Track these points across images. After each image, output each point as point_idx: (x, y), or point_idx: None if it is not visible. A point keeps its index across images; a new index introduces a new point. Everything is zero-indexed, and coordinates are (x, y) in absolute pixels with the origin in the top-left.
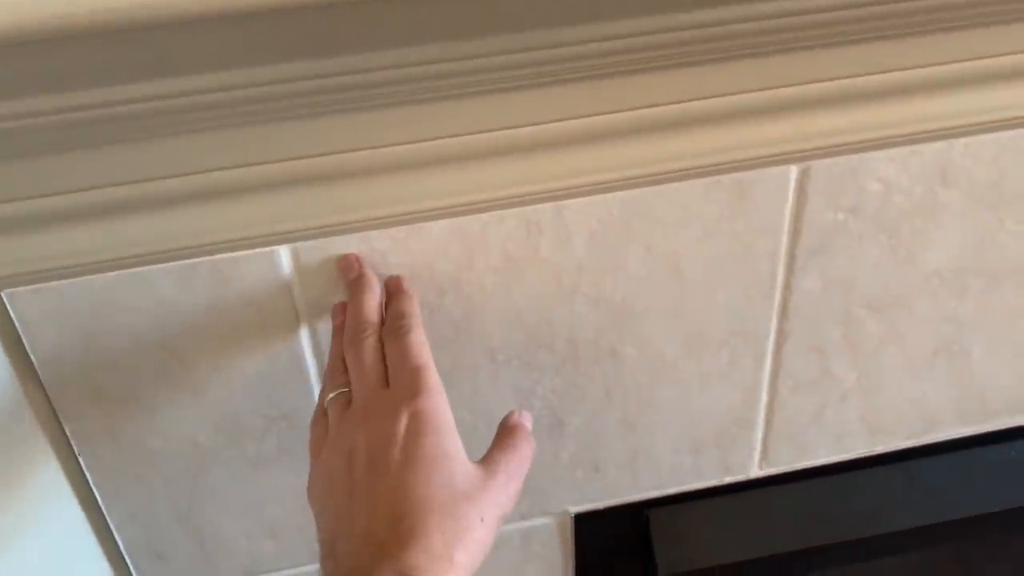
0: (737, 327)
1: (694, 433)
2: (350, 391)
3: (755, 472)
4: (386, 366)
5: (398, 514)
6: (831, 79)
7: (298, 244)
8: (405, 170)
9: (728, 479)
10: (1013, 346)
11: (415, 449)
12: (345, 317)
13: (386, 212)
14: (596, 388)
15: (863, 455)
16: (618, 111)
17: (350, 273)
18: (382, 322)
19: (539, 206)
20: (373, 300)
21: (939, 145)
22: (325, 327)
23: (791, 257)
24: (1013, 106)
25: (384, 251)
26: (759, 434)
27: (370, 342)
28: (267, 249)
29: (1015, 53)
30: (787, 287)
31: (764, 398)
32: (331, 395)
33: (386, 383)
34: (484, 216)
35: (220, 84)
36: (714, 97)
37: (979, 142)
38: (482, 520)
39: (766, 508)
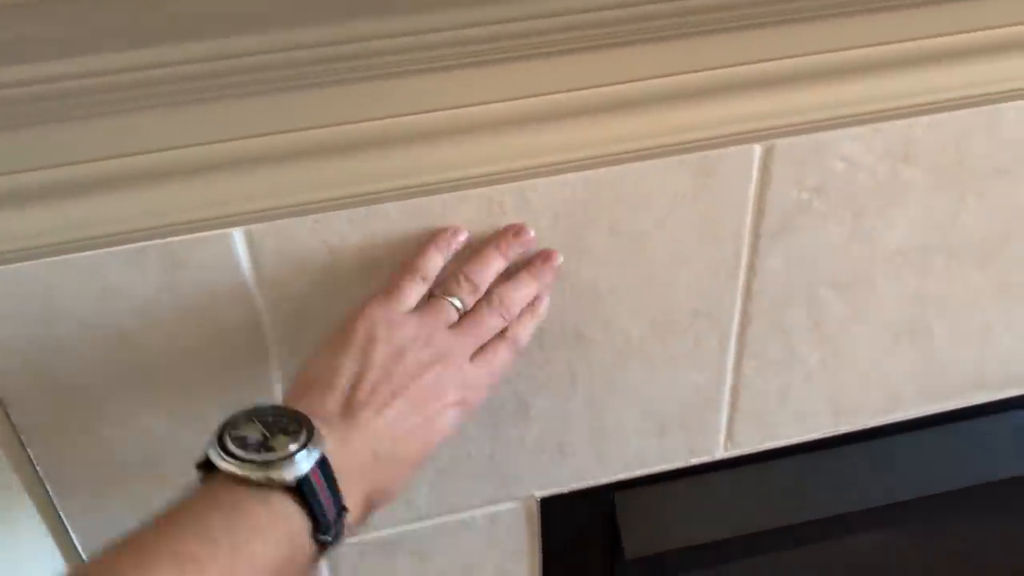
0: (702, 308)
1: (660, 415)
2: (461, 315)
3: (721, 453)
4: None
5: (376, 449)
6: (794, 56)
7: (252, 226)
8: (362, 149)
9: (694, 461)
10: (975, 324)
11: (438, 420)
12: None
13: (343, 192)
14: (561, 371)
15: (828, 435)
16: (581, 89)
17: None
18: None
19: (501, 186)
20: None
21: (902, 123)
22: (284, 308)
23: (755, 237)
24: (975, 83)
25: (342, 232)
26: (724, 415)
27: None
28: (221, 231)
29: (974, 31)
30: (751, 267)
31: (729, 379)
32: (452, 302)
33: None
34: (445, 196)
35: (163, 60)
36: (677, 75)
37: (941, 120)
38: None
39: (732, 489)
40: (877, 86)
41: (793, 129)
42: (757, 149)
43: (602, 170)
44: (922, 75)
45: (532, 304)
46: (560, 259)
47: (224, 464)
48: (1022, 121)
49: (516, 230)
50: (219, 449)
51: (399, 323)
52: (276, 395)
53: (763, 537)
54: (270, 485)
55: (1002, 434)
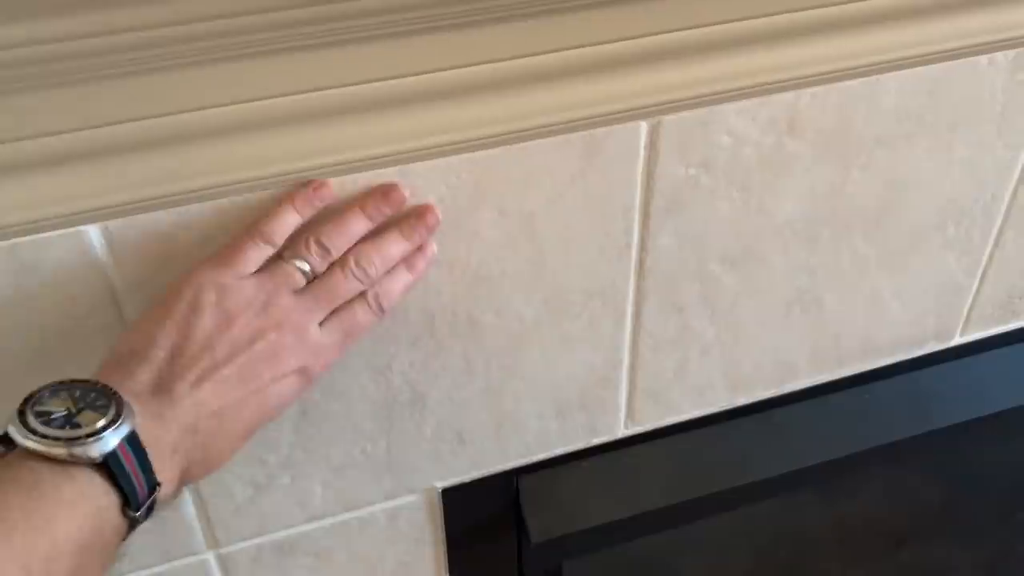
0: (595, 287)
1: (559, 397)
2: (310, 280)
3: (622, 432)
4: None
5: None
6: (678, 31)
7: (109, 222)
8: (227, 135)
9: (596, 441)
10: (863, 293)
11: (273, 389)
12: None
13: (206, 183)
14: (456, 358)
15: (726, 408)
16: (462, 67)
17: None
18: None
19: (381, 171)
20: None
21: (787, 96)
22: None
23: (645, 215)
24: (857, 54)
25: (207, 226)
26: (623, 394)
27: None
28: (73, 229)
29: (854, 2)
30: (643, 245)
31: (626, 358)
32: (298, 265)
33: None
34: None
35: None
36: (560, 52)
37: (825, 92)
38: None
39: (635, 467)
40: (761, 59)
41: (679, 105)
42: (643, 126)
43: (486, 151)
44: (805, 47)
45: (409, 262)
46: (439, 215)
47: (25, 441)
48: (903, 91)
49: (385, 189)
50: (20, 425)
51: (231, 288)
52: None
53: (668, 512)
54: (75, 462)
55: (895, 397)
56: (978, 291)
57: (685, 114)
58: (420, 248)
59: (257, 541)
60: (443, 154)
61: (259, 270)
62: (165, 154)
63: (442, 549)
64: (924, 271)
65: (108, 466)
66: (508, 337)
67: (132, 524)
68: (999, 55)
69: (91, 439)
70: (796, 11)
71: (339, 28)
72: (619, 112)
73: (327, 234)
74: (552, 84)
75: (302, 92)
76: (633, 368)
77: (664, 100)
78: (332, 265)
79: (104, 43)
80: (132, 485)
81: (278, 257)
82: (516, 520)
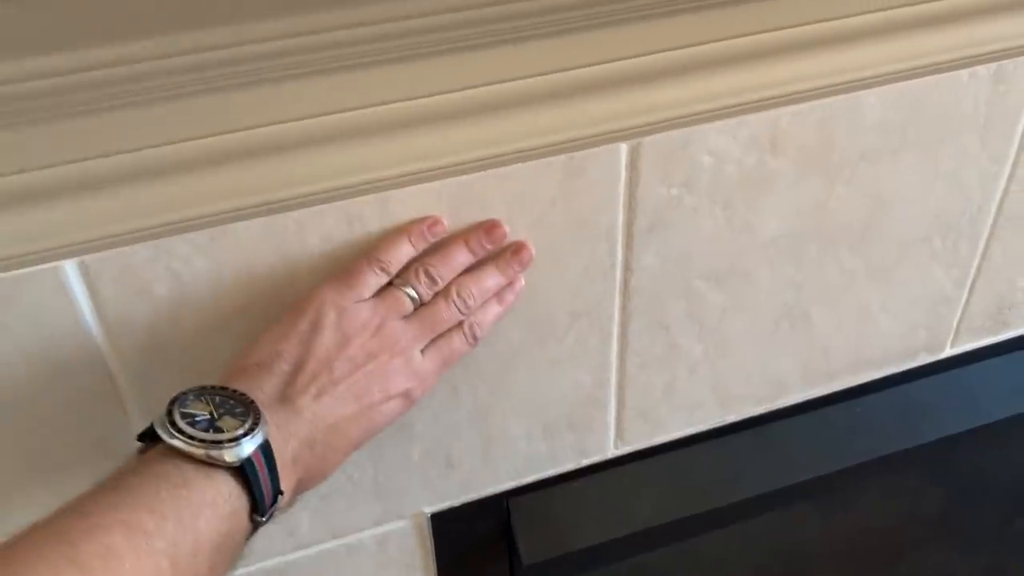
0: (581, 308)
1: (547, 418)
2: (417, 306)
3: (612, 452)
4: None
5: (315, 436)
6: (656, 53)
7: (86, 257)
8: (203, 166)
9: (586, 461)
10: (852, 307)
11: (379, 409)
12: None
13: (184, 215)
14: (442, 383)
15: (716, 425)
16: (440, 94)
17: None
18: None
19: (361, 198)
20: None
21: (767, 114)
22: (130, 342)
23: (628, 235)
24: (836, 72)
25: (185, 257)
26: (612, 414)
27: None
28: (49, 265)
29: (833, 19)
30: (627, 265)
31: (614, 377)
32: (408, 292)
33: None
34: (298, 213)
35: None
36: (538, 76)
37: (805, 109)
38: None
39: (627, 486)
40: (740, 79)
41: (659, 126)
42: (624, 148)
43: (468, 176)
44: (784, 66)
45: (499, 294)
46: (532, 251)
47: (172, 440)
48: (886, 106)
49: (488, 226)
50: (168, 424)
51: (349, 310)
52: (133, 428)
53: (661, 531)
54: (212, 463)
55: (888, 410)
56: (967, 303)
57: (665, 135)
58: (511, 282)
59: (245, 571)
60: (424, 180)
61: (375, 295)
62: (142, 188)
63: (433, 574)
64: (912, 284)
65: (243, 471)
66: (494, 360)
67: (255, 528)
68: (980, 68)
69: (230, 444)
70: (775, 30)
71: (318, 58)
72: (599, 135)
73: (435, 265)
74: (531, 108)
75: (282, 122)
76: (621, 387)
77: (644, 122)
78: (436, 295)
79: (77, 80)
80: (262, 491)
81: (389, 283)
82: (508, 543)
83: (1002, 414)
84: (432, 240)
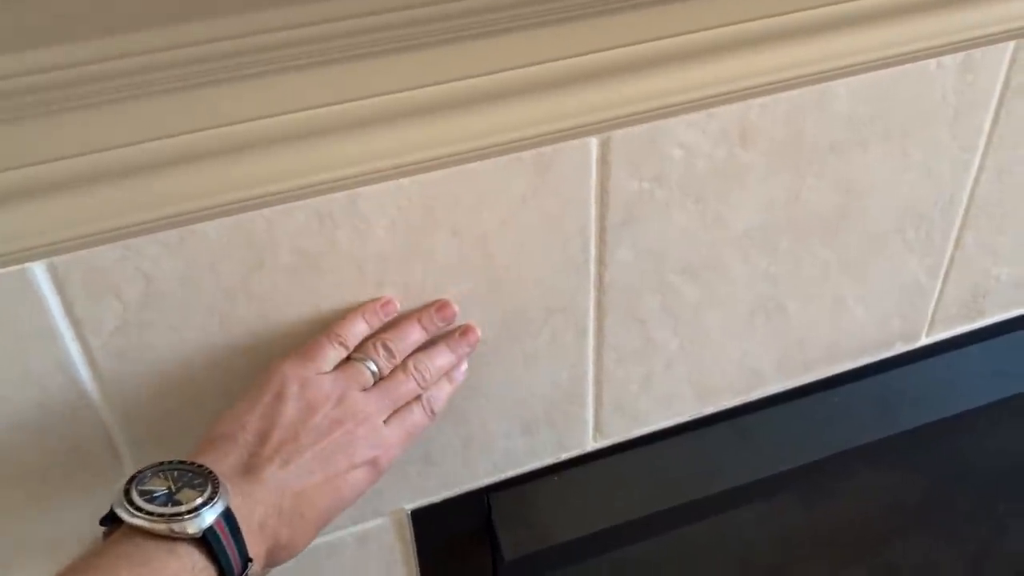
0: (555, 304)
1: (525, 414)
2: (376, 380)
3: (591, 446)
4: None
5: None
6: (624, 46)
7: (55, 258)
8: (169, 165)
9: (565, 456)
10: (826, 298)
11: (347, 478)
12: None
13: (151, 215)
14: None
15: (694, 417)
16: (408, 90)
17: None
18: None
19: (330, 196)
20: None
21: (735, 107)
22: (102, 345)
23: (601, 230)
24: (804, 62)
25: (155, 257)
26: (590, 408)
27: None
28: (17, 267)
29: (800, 11)
30: (601, 260)
31: (591, 372)
32: (368, 366)
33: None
34: (267, 212)
35: None
36: (505, 72)
37: (774, 101)
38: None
39: (605, 480)
40: (709, 72)
41: (628, 120)
42: (594, 142)
43: (436, 173)
44: (753, 58)
45: (448, 373)
46: (479, 334)
47: (132, 519)
48: (854, 97)
49: (439, 306)
50: (126, 503)
51: (312, 382)
52: (111, 449)
53: (642, 523)
54: (176, 537)
55: (865, 399)
56: (941, 292)
57: (634, 128)
58: (459, 361)
59: None
60: (392, 177)
61: (335, 368)
62: (110, 188)
63: (415, 570)
64: (886, 274)
65: (207, 540)
66: (471, 357)
67: None
68: (947, 58)
69: (190, 515)
70: (740, 23)
71: (281, 56)
72: (568, 129)
73: (391, 339)
74: (500, 104)
75: (248, 120)
76: (598, 382)
77: (613, 116)
78: (395, 368)
79: (40, 80)
80: (228, 559)
81: (348, 358)
82: (489, 538)
83: (980, 401)
84: (385, 318)
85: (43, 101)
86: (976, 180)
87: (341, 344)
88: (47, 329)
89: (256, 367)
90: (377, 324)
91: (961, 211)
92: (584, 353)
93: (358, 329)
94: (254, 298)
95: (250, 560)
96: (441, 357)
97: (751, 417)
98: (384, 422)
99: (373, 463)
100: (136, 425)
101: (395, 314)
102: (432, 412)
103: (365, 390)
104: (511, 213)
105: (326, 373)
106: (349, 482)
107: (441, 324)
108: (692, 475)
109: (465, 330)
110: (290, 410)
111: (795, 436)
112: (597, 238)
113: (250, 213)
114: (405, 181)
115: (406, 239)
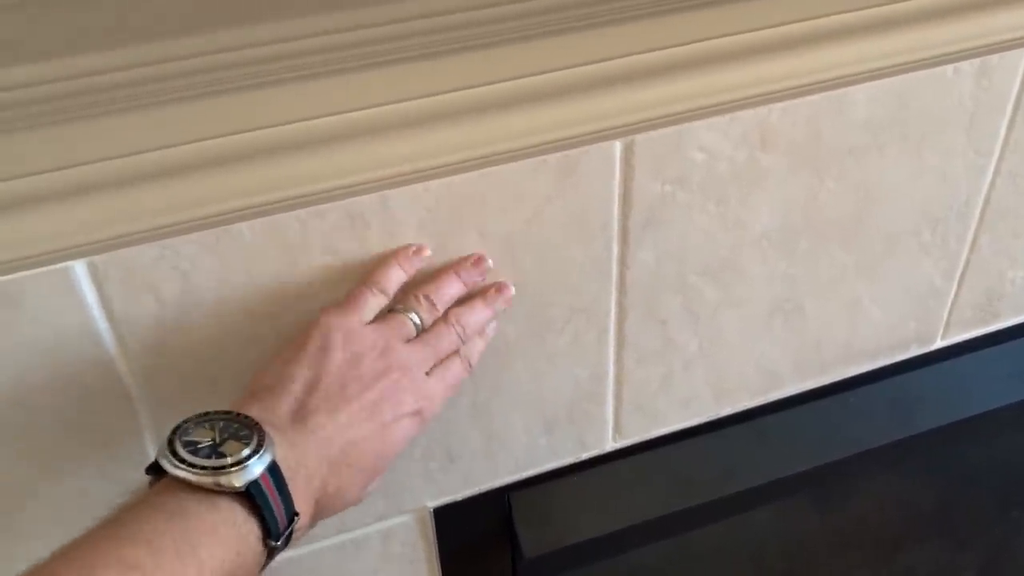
0: (578, 304)
1: (546, 413)
2: (418, 332)
3: (610, 445)
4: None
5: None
6: (648, 51)
7: (95, 257)
8: (206, 168)
9: (585, 455)
10: (843, 300)
11: (394, 428)
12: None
13: (189, 216)
14: None
15: (711, 418)
16: (437, 95)
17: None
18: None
19: (360, 198)
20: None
21: (757, 111)
22: (139, 342)
23: (624, 231)
24: (824, 68)
25: (192, 257)
26: (610, 408)
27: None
28: (59, 266)
29: (820, 17)
30: (623, 261)
31: (611, 372)
32: (411, 317)
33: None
34: (301, 212)
35: None
36: (532, 76)
37: (794, 105)
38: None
39: (625, 479)
40: (731, 76)
41: (651, 124)
42: (617, 145)
43: (463, 175)
44: (774, 63)
45: (482, 329)
46: (512, 290)
47: (174, 470)
48: (872, 102)
49: (476, 259)
50: (169, 455)
51: (356, 332)
52: (146, 445)
53: (660, 523)
54: (219, 491)
55: (881, 402)
56: (957, 295)
57: (657, 132)
58: (494, 317)
59: None
60: (421, 180)
61: (377, 318)
62: (148, 189)
63: (436, 568)
64: (902, 277)
65: (251, 495)
66: (493, 355)
67: (271, 553)
68: (964, 64)
69: (236, 468)
70: (764, 28)
71: (318, 61)
72: (592, 133)
73: (432, 291)
74: (526, 108)
75: (280, 124)
76: (619, 381)
77: (636, 120)
78: (436, 321)
79: (85, 84)
80: (272, 515)
81: (389, 309)
82: (509, 536)
83: (994, 404)
84: (419, 264)
85: (87, 104)
86: (992, 184)
87: (381, 292)
88: (86, 326)
89: None
90: (412, 271)
91: (977, 215)
92: (605, 352)
93: (395, 276)
94: (288, 299)
95: (296, 514)
96: (479, 312)
97: (768, 418)
98: (426, 374)
99: (418, 413)
100: (170, 418)
101: (427, 258)
102: (470, 365)
103: (408, 341)
104: (536, 214)
105: (369, 323)
106: (396, 432)
107: (478, 278)
108: (710, 476)
109: (500, 287)
110: (336, 360)
111: (811, 438)
112: (620, 239)
113: (284, 214)
114: (434, 183)
115: (434, 239)
